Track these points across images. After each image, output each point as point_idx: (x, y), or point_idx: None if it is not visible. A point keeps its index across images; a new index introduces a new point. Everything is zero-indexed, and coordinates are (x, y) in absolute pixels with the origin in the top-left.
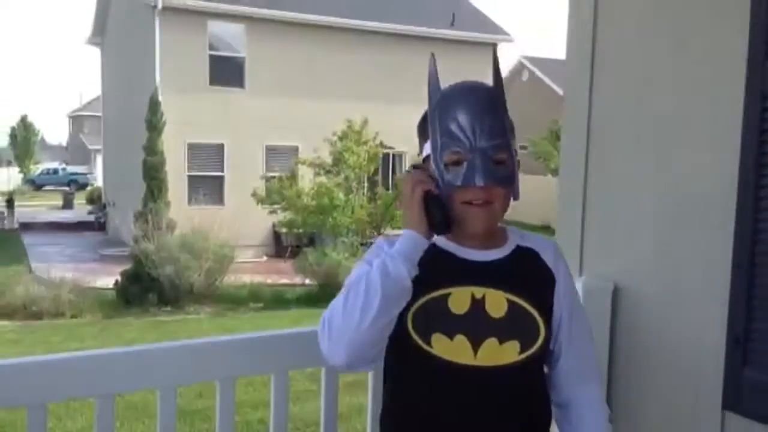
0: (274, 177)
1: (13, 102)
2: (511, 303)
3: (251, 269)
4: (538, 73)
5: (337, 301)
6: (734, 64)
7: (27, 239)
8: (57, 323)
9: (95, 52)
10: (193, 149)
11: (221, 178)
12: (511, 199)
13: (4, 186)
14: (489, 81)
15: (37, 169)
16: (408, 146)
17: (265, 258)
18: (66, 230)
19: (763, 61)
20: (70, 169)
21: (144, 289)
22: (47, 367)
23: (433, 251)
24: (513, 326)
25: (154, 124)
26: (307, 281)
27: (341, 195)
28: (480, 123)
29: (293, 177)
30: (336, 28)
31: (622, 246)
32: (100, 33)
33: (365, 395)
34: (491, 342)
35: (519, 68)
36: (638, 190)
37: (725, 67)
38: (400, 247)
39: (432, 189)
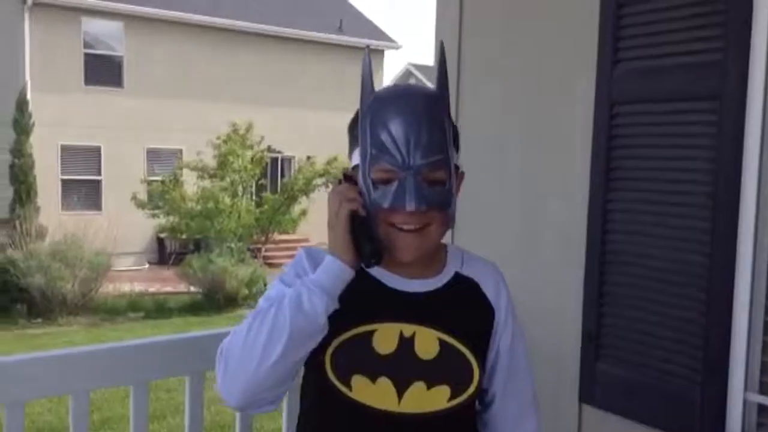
0: (156, 181)
1: None
2: (443, 343)
3: (132, 277)
4: (425, 81)
5: (239, 331)
6: (586, 73)
7: None
8: None
9: None
10: (67, 152)
11: (98, 182)
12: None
13: None
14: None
15: None
16: (295, 151)
17: (147, 265)
18: None
19: (611, 71)
20: None
21: (12, 300)
22: None
23: (359, 276)
24: (444, 369)
25: (22, 125)
26: (192, 288)
27: (227, 199)
28: (416, 136)
29: (176, 181)
30: (221, 29)
31: (486, 243)
32: None
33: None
34: (418, 386)
35: (407, 75)
36: (502, 191)
37: (579, 75)
38: (319, 277)
39: (359, 210)
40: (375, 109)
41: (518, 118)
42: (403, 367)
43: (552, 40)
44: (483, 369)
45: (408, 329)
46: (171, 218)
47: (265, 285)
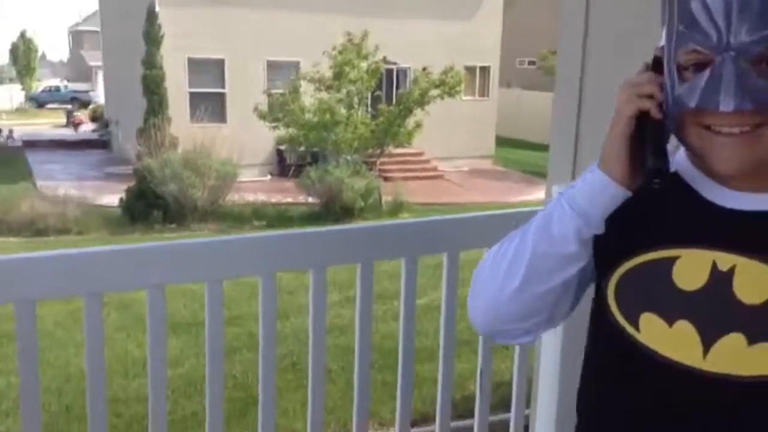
0: (276, 93)
1: (11, 17)
2: None
3: (255, 188)
4: None
5: (492, 250)
6: None
7: (31, 157)
8: (63, 240)
9: None
10: (194, 65)
11: (223, 95)
12: None
13: (7, 104)
14: None
15: (38, 86)
16: (412, 62)
17: (269, 177)
18: (70, 148)
19: None
20: (72, 86)
21: (149, 207)
22: (35, 263)
23: (663, 184)
24: None
25: (152, 37)
26: (311, 199)
27: (343, 111)
28: (740, 0)
29: (295, 92)
30: None
31: None
32: None
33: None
34: (734, 339)
35: None
36: None
37: None
38: (576, 193)
39: (652, 110)
40: None
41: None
42: (713, 311)
43: None
44: None
45: (725, 260)
46: (290, 129)
47: (380, 197)
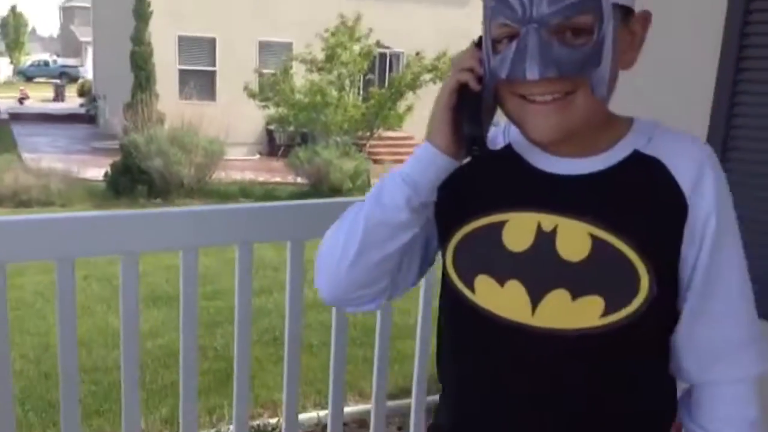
0: (267, 73)
1: None
2: (597, 241)
3: (243, 167)
4: None
5: (332, 226)
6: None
7: (17, 130)
8: (46, 211)
9: None
10: (184, 42)
11: (213, 73)
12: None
13: None
14: None
15: (27, 61)
16: (405, 46)
17: (257, 156)
18: (57, 122)
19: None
20: (61, 61)
21: (133, 181)
22: (6, 225)
23: (492, 151)
24: (596, 276)
25: (141, 13)
26: (299, 180)
27: (334, 92)
28: None
29: (286, 72)
30: None
31: None
32: None
33: None
34: (559, 295)
35: None
36: None
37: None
38: (406, 164)
39: (471, 82)
40: None
41: None
42: (539, 269)
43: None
44: (659, 281)
45: (548, 221)
46: (280, 109)
47: (368, 179)
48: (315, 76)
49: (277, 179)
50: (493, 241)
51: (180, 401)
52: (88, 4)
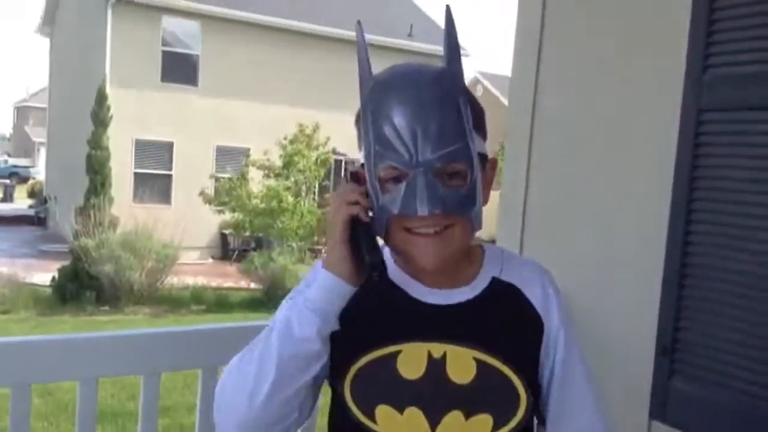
0: (223, 177)
1: None
2: (481, 364)
3: (196, 271)
4: (493, 90)
5: (233, 362)
6: (673, 76)
7: None
8: None
9: (44, 43)
10: (141, 146)
11: (169, 177)
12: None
13: None
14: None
15: None
16: (360, 154)
17: (210, 260)
18: (4, 224)
19: (700, 76)
20: (12, 161)
21: (82, 287)
22: None
23: (377, 286)
24: (484, 395)
25: (101, 118)
26: (253, 285)
27: (290, 198)
28: (423, 125)
29: (243, 178)
30: (294, 31)
31: (558, 253)
32: (50, 23)
33: None
34: (454, 416)
35: (474, 83)
36: (577, 198)
37: (665, 79)
38: (312, 295)
39: (360, 214)
40: (375, 96)
41: (594, 124)
42: (434, 395)
43: (637, 44)
44: (533, 391)
45: (437, 349)
46: (236, 214)
47: None
48: (272, 182)
49: (230, 284)
50: (389, 372)
51: None
52: (44, 105)
